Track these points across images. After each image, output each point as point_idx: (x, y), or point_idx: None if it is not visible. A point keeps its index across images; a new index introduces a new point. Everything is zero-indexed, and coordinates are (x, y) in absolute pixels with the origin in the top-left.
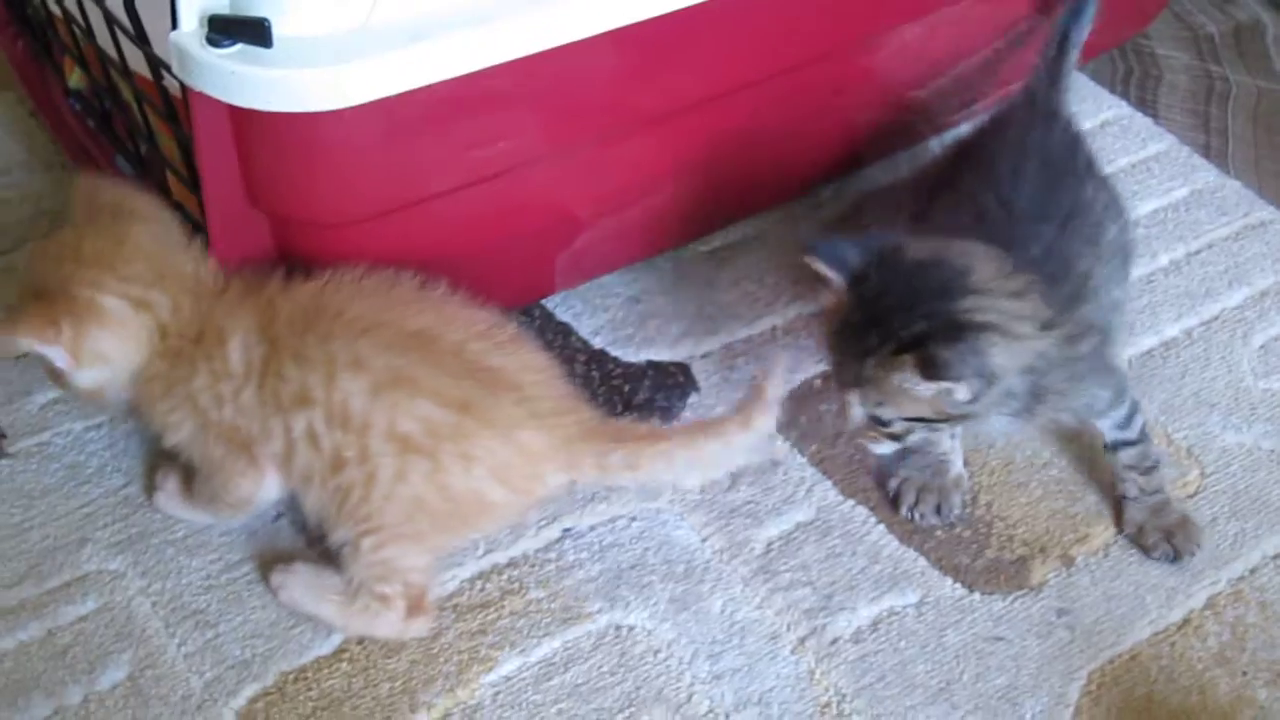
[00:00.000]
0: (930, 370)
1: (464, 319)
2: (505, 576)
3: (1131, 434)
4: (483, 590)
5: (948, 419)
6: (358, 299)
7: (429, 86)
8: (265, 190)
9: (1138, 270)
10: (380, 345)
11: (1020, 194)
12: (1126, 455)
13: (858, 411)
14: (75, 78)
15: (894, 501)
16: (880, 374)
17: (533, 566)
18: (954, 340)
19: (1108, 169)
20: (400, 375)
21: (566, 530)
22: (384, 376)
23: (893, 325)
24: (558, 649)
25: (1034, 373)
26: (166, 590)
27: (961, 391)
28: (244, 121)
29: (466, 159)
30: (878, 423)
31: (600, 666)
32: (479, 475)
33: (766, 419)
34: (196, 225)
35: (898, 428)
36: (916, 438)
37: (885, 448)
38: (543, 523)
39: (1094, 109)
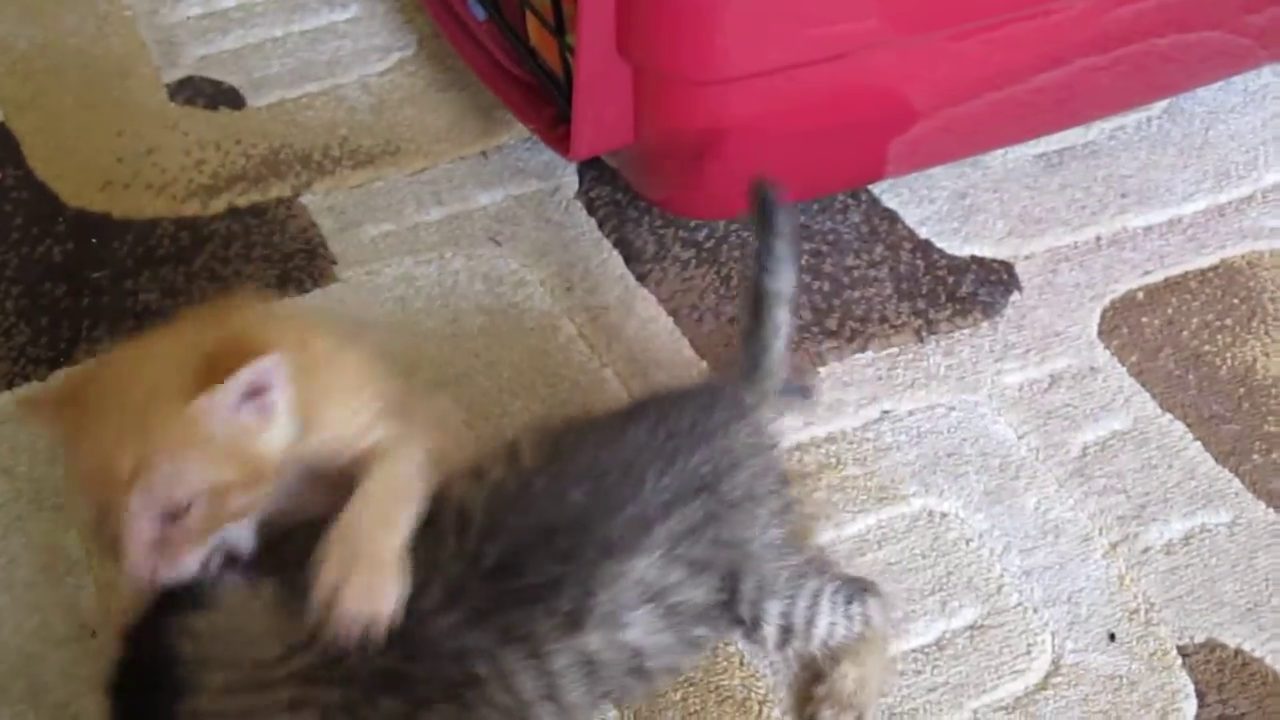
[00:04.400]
0: None
1: None
2: (823, 450)
3: None
4: (800, 461)
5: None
6: None
7: None
8: (640, 39)
9: None
10: None
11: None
12: None
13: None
14: None
15: None
16: None
17: (850, 444)
18: None
19: None
20: None
21: (885, 412)
22: None
23: None
24: (871, 526)
25: None
26: (488, 429)
27: None
28: None
29: (830, 33)
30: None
31: (913, 548)
32: None
33: None
34: (548, 75)
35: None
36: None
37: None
38: (862, 402)
39: None
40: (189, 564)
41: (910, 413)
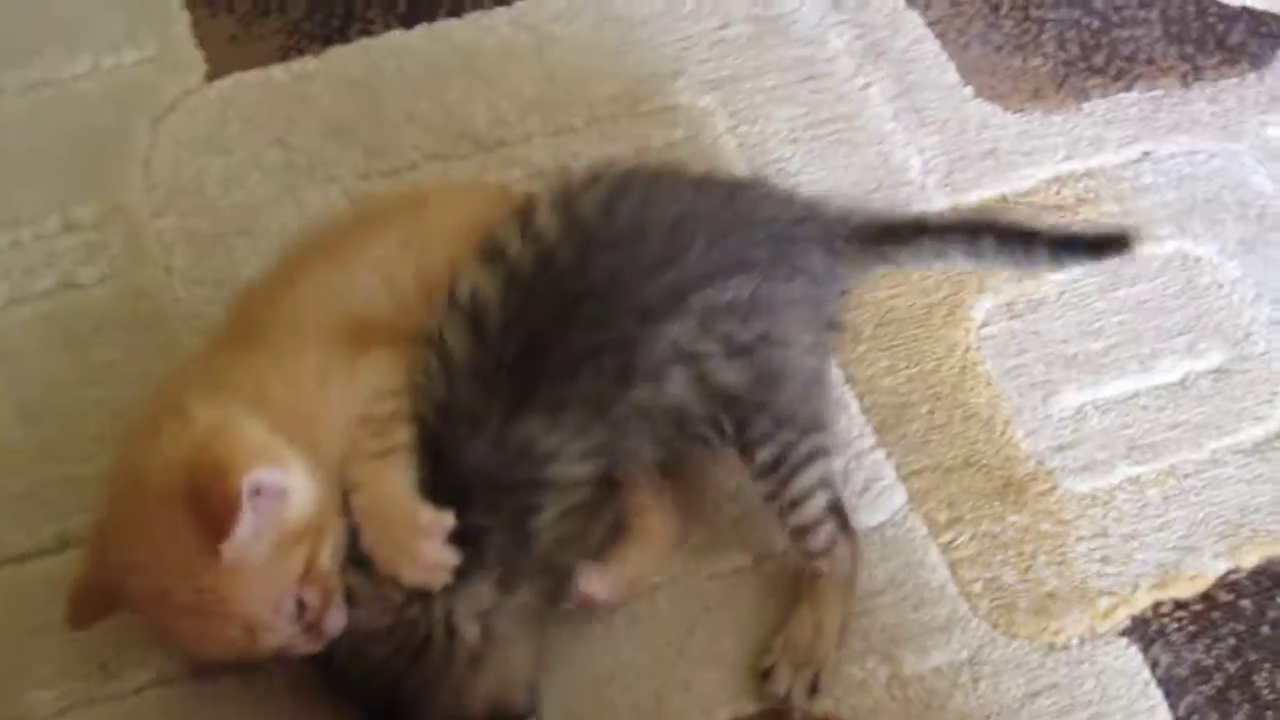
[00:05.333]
0: None
1: None
2: (1082, 185)
3: None
4: (1059, 194)
5: None
6: None
7: None
8: None
9: None
10: None
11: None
12: None
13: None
14: None
15: None
16: None
17: (1110, 180)
18: None
19: None
20: None
21: (1146, 153)
22: None
23: None
24: (1125, 263)
25: None
26: (753, 134)
27: None
28: None
29: None
30: None
31: (1165, 289)
32: None
33: None
34: None
35: None
36: None
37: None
38: (1123, 141)
39: None
40: (337, 622)
41: (1171, 156)
